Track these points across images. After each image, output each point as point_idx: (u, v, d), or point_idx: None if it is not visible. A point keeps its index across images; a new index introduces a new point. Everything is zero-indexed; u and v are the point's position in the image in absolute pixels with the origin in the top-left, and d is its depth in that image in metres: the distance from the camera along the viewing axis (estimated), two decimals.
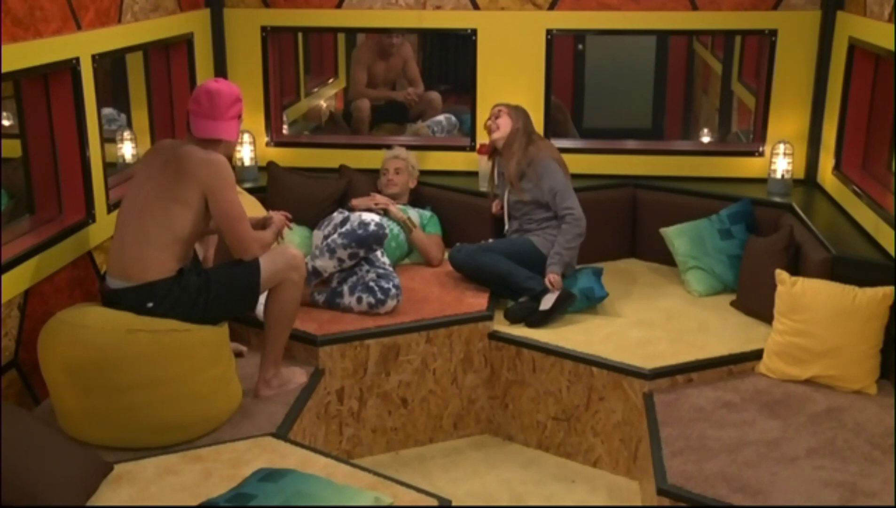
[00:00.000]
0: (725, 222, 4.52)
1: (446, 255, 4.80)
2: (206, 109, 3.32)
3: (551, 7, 4.93)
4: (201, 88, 3.38)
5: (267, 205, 4.88)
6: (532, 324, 4.12)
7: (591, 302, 4.28)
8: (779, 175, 4.78)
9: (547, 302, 4.14)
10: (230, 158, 3.43)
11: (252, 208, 4.56)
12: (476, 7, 4.98)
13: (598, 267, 4.47)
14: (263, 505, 2.67)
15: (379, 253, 4.35)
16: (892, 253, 3.71)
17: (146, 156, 3.45)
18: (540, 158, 4.39)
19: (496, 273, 4.29)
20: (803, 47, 4.79)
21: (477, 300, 4.28)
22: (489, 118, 4.58)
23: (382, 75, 6.58)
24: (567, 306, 4.16)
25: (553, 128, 5.21)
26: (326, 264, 4.16)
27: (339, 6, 5.05)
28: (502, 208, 4.70)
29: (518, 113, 4.53)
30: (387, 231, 4.22)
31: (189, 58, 4.76)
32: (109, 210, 3.94)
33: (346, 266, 4.19)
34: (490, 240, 4.58)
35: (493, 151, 4.63)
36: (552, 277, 4.20)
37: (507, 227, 4.60)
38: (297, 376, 3.72)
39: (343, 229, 4.22)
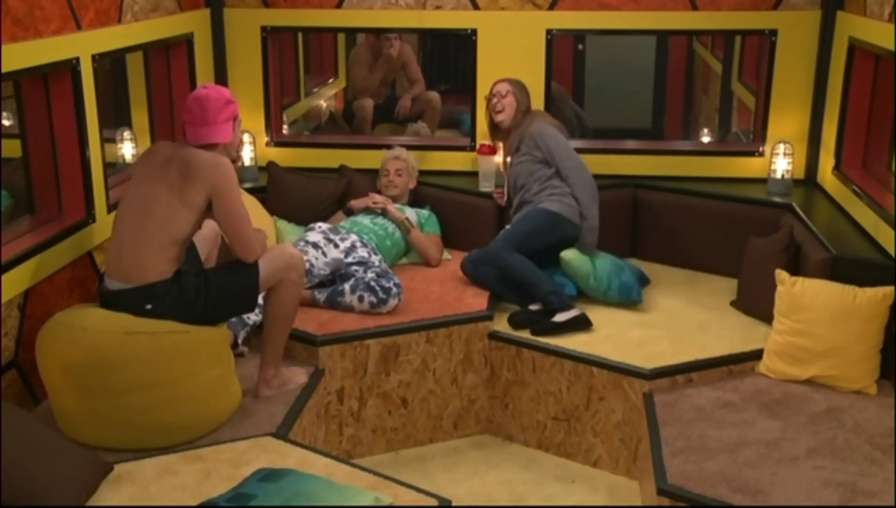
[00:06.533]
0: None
1: (446, 255, 4.83)
2: (197, 116, 3.34)
3: (551, 7, 4.93)
4: (191, 96, 3.39)
5: (267, 205, 4.90)
6: (538, 332, 4.07)
7: (622, 298, 4.32)
8: (779, 175, 4.78)
9: (563, 316, 4.08)
10: (233, 160, 3.44)
11: (252, 208, 4.57)
12: (476, 7, 4.98)
13: (647, 276, 4.53)
14: (263, 505, 2.67)
15: (368, 253, 4.36)
16: (892, 253, 3.71)
17: (143, 158, 3.43)
18: (535, 126, 4.45)
19: (522, 276, 4.21)
20: (803, 47, 4.79)
21: (477, 300, 4.28)
22: (493, 96, 4.56)
23: (380, 75, 6.59)
24: (580, 329, 4.09)
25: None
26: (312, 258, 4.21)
27: (339, 6, 5.05)
28: (502, 193, 4.72)
29: (522, 92, 4.57)
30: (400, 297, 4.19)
31: (189, 58, 4.76)
32: (109, 210, 3.94)
33: (319, 273, 4.23)
34: (507, 227, 4.53)
35: (498, 132, 4.68)
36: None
37: (513, 204, 4.58)
38: (297, 376, 3.72)
39: (364, 275, 4.20)
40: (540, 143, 4.41)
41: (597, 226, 4.35)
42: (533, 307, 4.19)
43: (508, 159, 4.63)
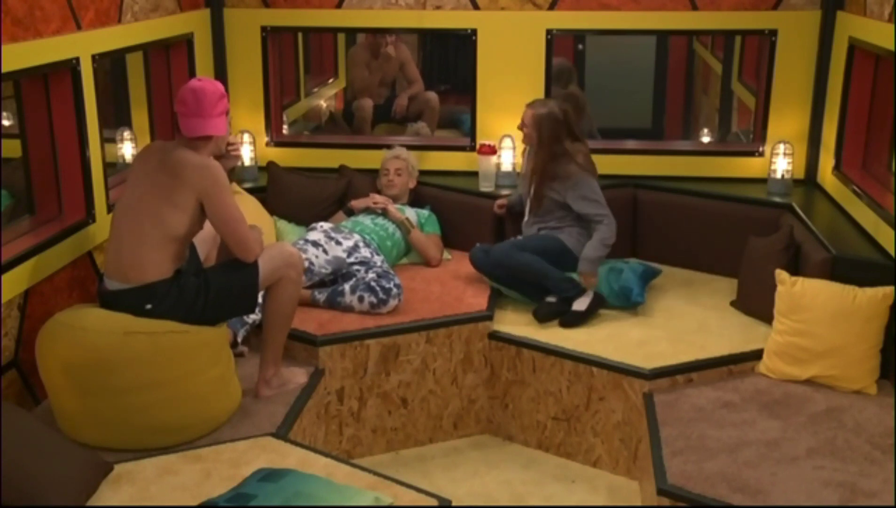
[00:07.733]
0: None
1: (446, 255, 4.83)
2: (192, 108, 3.30)
3: (551, 7, 4.93)
4: (185, 88, 3.35)
5: (267, 205, 4.89)
6: (566, 324, 4.12)
7: (622, 302, 4.29)
8: (779, 175, 4.78)
9: (581, 303, 4.14)
10: (221, 155, 3.42)
11: (252, 208, 4.57)
12: (476, 7, 4.98)
13: (654, 267, 4.49)
14: (263, 505, 2.67)
15: (371, 253, 4.36)
16: (892, 253, 3.71)
17: (139, 158, 3.44)
18: (572, 171, 4.33)
19: (532, 272, 4.24)
20: (803, 47, 4.79)
21: (477, 300, 4.28)
22: (521, 121, 4.45)
23: (379, 75, 6.59)
24: (600, 308, 4.18)
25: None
26: (311, 257, 4.21)
27: (339, 6, 5.05)
28: (505, 206, 4.70)
29: (544, 123, 4.34)
30: (400, 298, 4.19)
31: (189, 58, 4.76)
32: (109, 210, 3.94)
33: (320, 271, 4.23)
34: (519, 237, 4.53)
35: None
36: (590, 279, 4.23)
37: (525, 219, 4.55)
38: (297, 376, 3.72)
39: (365, 276, 4.21)
40: (579, 203, 4.32)
41: (596, 257, 4.24)
42: (550, 299, 4.19)
43: (532, 184, 4.50)
